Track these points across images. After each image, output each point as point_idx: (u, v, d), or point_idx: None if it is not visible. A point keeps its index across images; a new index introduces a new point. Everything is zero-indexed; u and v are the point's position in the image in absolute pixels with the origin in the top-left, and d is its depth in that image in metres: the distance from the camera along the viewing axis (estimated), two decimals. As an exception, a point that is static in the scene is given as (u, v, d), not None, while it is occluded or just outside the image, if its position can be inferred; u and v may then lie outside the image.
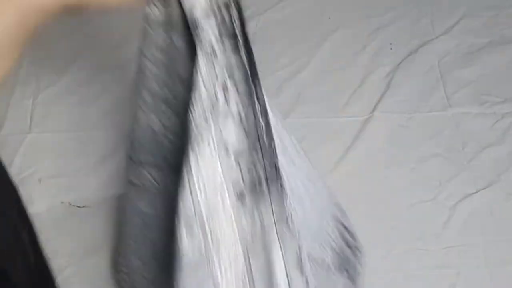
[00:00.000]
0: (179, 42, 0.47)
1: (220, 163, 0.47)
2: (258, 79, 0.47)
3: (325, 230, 0.58)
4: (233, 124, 0.47)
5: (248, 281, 0.50)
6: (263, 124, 0.48)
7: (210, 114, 0.46)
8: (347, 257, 0.61)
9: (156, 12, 0.45)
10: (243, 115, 0.47)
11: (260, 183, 0.48)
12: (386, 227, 0.75)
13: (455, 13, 1.01)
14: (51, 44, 0.99)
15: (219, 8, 0.44)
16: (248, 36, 0.46)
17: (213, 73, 0.45)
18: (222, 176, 0.48)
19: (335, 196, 0.64)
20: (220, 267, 0.49)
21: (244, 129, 0.47)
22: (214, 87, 0.45)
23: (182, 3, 0.44)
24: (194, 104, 0.45)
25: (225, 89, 0.46)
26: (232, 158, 0.48)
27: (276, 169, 0.48)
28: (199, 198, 0.48)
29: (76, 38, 1.00)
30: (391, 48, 0.96)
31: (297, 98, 0.90)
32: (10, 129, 0.86)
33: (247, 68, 0.46)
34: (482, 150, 0.82)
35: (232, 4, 0.44)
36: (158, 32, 0.46)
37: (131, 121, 0.54)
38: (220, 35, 0.45)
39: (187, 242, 0.48)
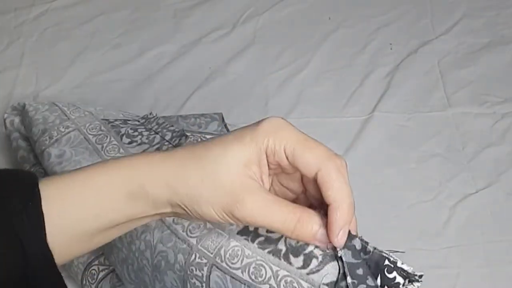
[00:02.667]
0: None
1: None
2: None
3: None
4: None
5: None
6: None
7: None
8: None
9: None
10: None
11: None
12: (386, 227, 0.75)
13: (455, 13, 1.01)
14: (51, 44, 0.99)
15: None
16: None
17: None
18: None
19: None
20: None
21: None
22: None
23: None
24: None
25: None
26: None
27: None
28: None
29: (76, 38, 1.00)
30: (391, 48, 0.96)
31: (297, 98, 0.90)
32: (10, 129, 0.86)
33: None
34: (482, 150, 0.82)
35: None
36: None
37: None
38: None
39: None
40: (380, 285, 0.40)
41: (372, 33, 0.99)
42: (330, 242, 0.39)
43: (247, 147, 0.39)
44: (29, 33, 1.01)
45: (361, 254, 0.40)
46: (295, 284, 0.42)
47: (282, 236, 0.44)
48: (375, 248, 0.40)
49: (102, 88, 0.92)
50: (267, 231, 0.45)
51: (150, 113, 0.72)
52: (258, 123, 0.40)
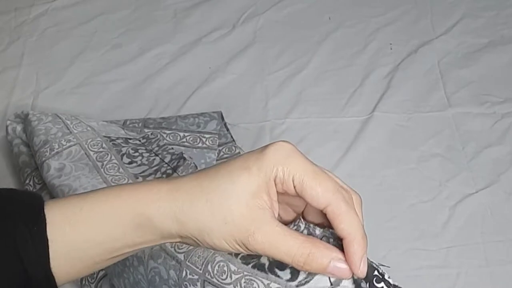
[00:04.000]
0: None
1: None
2: None
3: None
4: None
5: None
6: None
7: None
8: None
9: None
10: None
11: None
12: (386, 227, 0.75)
13: (455, 13, 1.01)
14: (51, 44, 0.99)
15: None
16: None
17: None
18: None
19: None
20: None
21: None
22: None
23: None
24: None
25: None
26: None
27: None
28: None
29: (76, 38, 1.00)
30: (391, 48, 0.96)
31: (297, 98, 0.90)
32: (10, 129, 0.86)
33: None
34: (482, 150, 0.82)
35: None
36: None
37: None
38: None
39: None
40: None
41: (372, 33, 0.99)
42: (341, 275, 0.39)
43: (255, 177, 0.39)
44: (29, 33, 1.01)
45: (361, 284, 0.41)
46: None
47: None
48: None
49: (102, 88, 0.93)
50: None
51: (152, 133, 0.73)
52: (264, 149, 0.40)
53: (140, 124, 0.81)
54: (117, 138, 0.71)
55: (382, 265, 0.42)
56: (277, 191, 0.40)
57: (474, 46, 0.96)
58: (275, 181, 0.39)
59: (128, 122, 0.81)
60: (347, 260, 0.39)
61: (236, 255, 0.45)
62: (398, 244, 0.73)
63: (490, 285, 0.69)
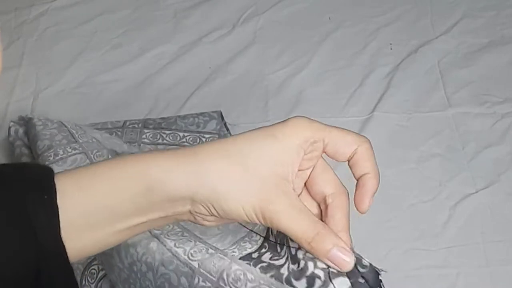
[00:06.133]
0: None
1: None
2: None
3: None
4: None
5: None
6: None
7: None
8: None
9: None
10: None
11: None
12: (386, 227, 0.75)
13: (455, 13, 1.01)
14: (51, 44, 1.00)
15: None
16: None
17: None
18: None
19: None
20: None
21: None
22: None
23: None
24: None
25: None
26: None
27: None
28: None
29: (76, 38, 1.00)
30: (391, 48, 0.96)
31: (297, 98, 0.90)
32: (10, 129, 0.86)
33: None
34: (482, 150, 0.82)
35: None
36: None
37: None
38: None
39: None
40: None
41: (372, 33, 0.99)
42: (339, 264, 0.40)
43: (281, 144, 0.39)
44: (29, 33, 1.01)
45: (358, 267, 0.41)
46: None
47: (285, 263, 0.44)
48: (370, 264, 0.41)
49: (102, 88, 0.93)
50: (271, 258, 0.44)
51: (153, 139, 0.74)
52: (286, 121, 0.41)
53: (140, 125, 0.81)
54: (122, 152, 0.71)
55: (382, 270, 0.42)
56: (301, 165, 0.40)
57: (474, 46, 0.96)
58: (303, 146, 0.40)
59: (128, 123, 0.81)
60: (361, 195, 0.41)
61: (255, 265, 0.44)
62: (398, 244, 0.73)
63: (490, 285, 0.69)
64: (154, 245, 0.52)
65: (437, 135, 0.84)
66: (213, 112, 0.83)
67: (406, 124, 0.86)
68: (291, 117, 0.41)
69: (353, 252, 0.41)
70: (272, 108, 0.89)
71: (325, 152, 0.42)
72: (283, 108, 0.88)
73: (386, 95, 0.89)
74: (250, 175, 0.38)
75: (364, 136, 0.42)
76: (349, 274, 0.40)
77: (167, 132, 0.79)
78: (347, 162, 0.43)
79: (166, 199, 0.39)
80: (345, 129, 0.42)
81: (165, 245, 0.52)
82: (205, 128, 0.80)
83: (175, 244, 0.51)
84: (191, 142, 0.78)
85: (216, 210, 0.39)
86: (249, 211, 0.38)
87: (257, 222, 0.39)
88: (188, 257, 0.49)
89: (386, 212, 0.76)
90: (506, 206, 0.76)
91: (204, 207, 0.39)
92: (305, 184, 0.44)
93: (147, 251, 0.53)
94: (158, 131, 0.79)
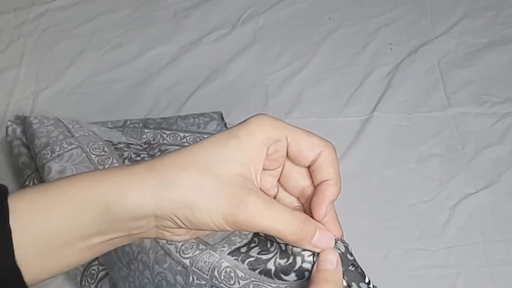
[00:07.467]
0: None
1: None
2: None
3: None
4: None
5: None
6: None
7: None
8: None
9: None
10: None
11: None
12: (386, 227, 0.75)
13: (455, 13, 1.01)
14: (51, 44, 0.99)
15: None
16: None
17: None
18: None
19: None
20: None
21: None
22: None
23: None
24: None
25: None
26: None
27: None
28: None
29: (76, 38, 1.00)
30: (391, 48, 0.96)
31: (297, 98, 0.90)
32: (10, 129, 0.86)
33: None
34: (482, 150, 0.82)
35: None
36: None
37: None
38: None
39: None
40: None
41: (372, 33, 0.99)
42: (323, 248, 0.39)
43: (244, 144, 0.38)
44: (29, 33, 1.01)
45: (348, 256, 0.41)
46: None
47: (272, 257, 0.43)
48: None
49: (102, 88, 0.93)
50: (260, 252, 0.44)
51: (154, 139, 0.73)
52: (248, 119, 0.39)
53: (140, 125, 0.81)
54: (119, 143, 0.71)
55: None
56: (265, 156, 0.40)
57: (474, 46, 0.96)
58: (265, 143, 0.39)
59: (128, 122, 0.81)
60: (319, 202, 0.40)
61: (243, 260, 0.44)
62: (398, 244, 0.74)
63: (490, 285, 0.69)
64: (147, 242, 0.52)
65: (437, 135, 0.84)
66: (213, 112, 0.83)
67: (406, 124, 0.86)
68: (253, 115, 0.40)
69: (341, 241, 0.41)
70: (272, 108, 0.89)
71: (287, 154, 0.41)
72: (283, 108, 0.88)
73: (386, 95, 0.89)
74: (217, 181, 0.37)
75: (328, 141, 0.41)
76: None
77: (168, 132, 0.79)
78: (307, 168, 0.42)
79: (127, 218, 0.37)
80: (311, 132, 0.41)
81: (158, 243, 0.52)
82: (206, 128, 0.80)
83: (166, 241, 0.51)
84: (191, 143, 0.78)
85: (182, 222, 0.37)
86: (217, 218, 0.37)
87: (229, 229, 0.38)
88: (180, 254, 0.49)
89: (386, 212, 0.76)
90: (506, 206, 0.76)
91: (169, 221, 0.38)
92: (279, 182, 0.43)
93: (142, 249, 0.53)
94: (159, 131, 0.79)
